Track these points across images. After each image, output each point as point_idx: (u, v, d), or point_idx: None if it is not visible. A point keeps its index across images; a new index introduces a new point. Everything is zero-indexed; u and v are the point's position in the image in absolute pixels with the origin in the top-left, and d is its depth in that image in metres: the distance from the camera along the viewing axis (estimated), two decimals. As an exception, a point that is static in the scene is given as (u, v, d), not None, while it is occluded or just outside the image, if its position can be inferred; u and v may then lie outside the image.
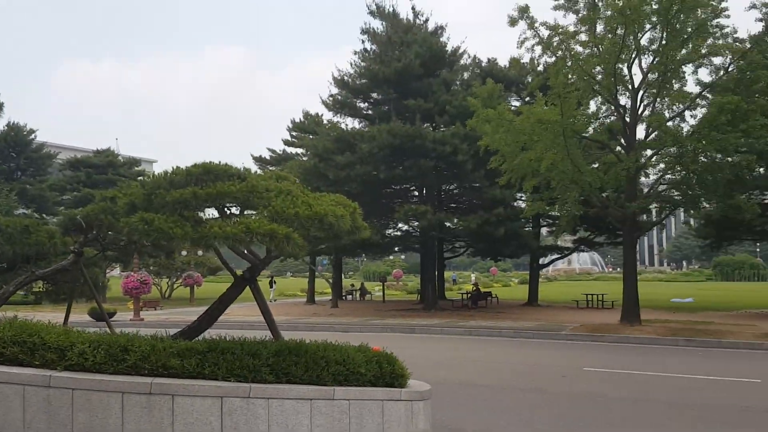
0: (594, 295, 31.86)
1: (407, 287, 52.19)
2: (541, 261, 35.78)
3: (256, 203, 6.98)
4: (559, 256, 37.49)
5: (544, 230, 37.18)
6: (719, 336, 19.01)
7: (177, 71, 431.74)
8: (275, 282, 41.65)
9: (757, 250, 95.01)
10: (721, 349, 17.68)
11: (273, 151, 44.14)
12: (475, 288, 35.00)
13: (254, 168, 33.60)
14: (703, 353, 16.91)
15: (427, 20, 32.58)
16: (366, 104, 33.76)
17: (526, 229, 32.04)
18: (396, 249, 42.26)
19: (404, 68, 29.20)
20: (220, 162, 7.49)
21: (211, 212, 7.51)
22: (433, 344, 18.65)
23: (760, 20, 24.02)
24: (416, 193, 32.84)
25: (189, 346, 6.49)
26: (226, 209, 7.25)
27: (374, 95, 32.76)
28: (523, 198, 30.58)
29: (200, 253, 37.38)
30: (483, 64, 33.50)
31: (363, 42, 32.56)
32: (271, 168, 40.18)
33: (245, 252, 7.33)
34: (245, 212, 7.31)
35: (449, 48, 32.04)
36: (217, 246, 7.02)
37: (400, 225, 34.49)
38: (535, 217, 29.91)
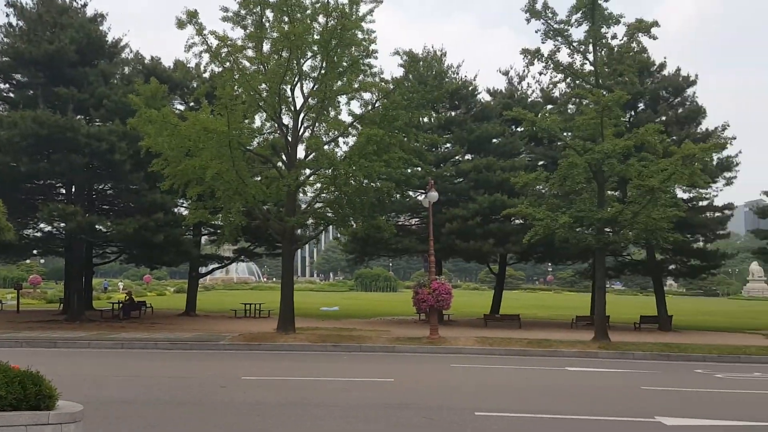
0: (252, 305, 32.69)
1: (47, 295, 46.53)
2: (201, 270, 35.40)
3: None
4: (220, 265, 37.62)
5: (204, 238, 36.92)
6: (360, 341, 21.25)
7: None
8: None
9: (390, 264, 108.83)
10: (362, 352, 19.82)
11: None
12: (128, 297, 32.97)
13: None
14: (348, 357, 18.70)
15: (85, 5, 29.89)
16: (7, 85, 29.46)
17: (187, 236, 31.41)
18: (35, 252, 37.41)
19: (57, 52, 26.28)
20: None
21: None
22: (80, 359, 17.00)
23: (402, 66, 27.72)
24: (63, 191, 29.64)
25: None
26: None
27: (18, 77, 28.77)
28: (185, 204, 29.95)
29: None
30: (146, 62, 32.07)
31: (8, 16, 28.43)
32: None
33: None
34: None
35: (110, 39, 29.95)
36: None
37: (42, 225, 30.74)
38: (196, 225, 29.54)
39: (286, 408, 10.66)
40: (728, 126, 28.87)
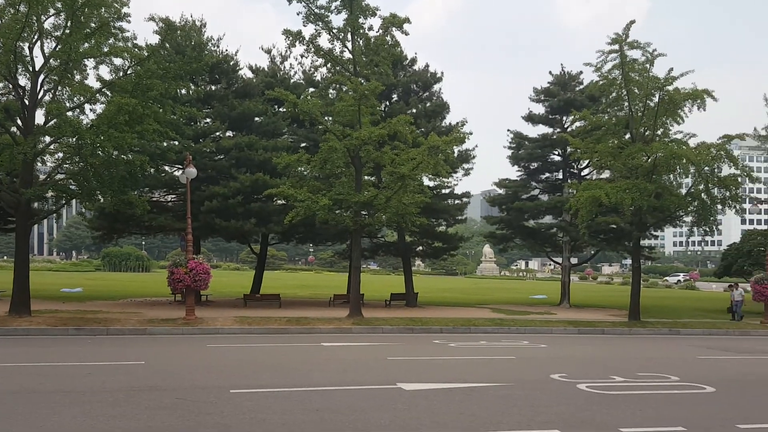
0: (-26, 287, 28.77)
1: None
2: None
3: None
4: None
5: None
6: (107, 324, 19.94)
7: None
8: None
9: (143, 243, 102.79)
10: (109, 336, 18.67)
11: None
12: None
13: None
14: (93, 341, 17.43)
15: None
16: None
17: None
18: None
19: None
20: None
21: None
22: None
23: (158, 33, 26.17)
24: None
25: None
26: None
27: None
28: None
29: None
30: None
31: None
32: None
33: None
34: None
35: None
36: None
37: None
38: None
39: (19, 396, 9.68)
40: (466, 122, 32.10)
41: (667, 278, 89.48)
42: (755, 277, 27.30)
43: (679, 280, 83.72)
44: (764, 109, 31.93)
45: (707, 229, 26.12)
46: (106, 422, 8.36)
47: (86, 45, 20.87)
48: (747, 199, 30.43)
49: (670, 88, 24.54)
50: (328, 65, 25.37)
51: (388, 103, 32.70)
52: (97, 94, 21.86)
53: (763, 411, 10.29)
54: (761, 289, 26.37)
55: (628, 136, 26.23)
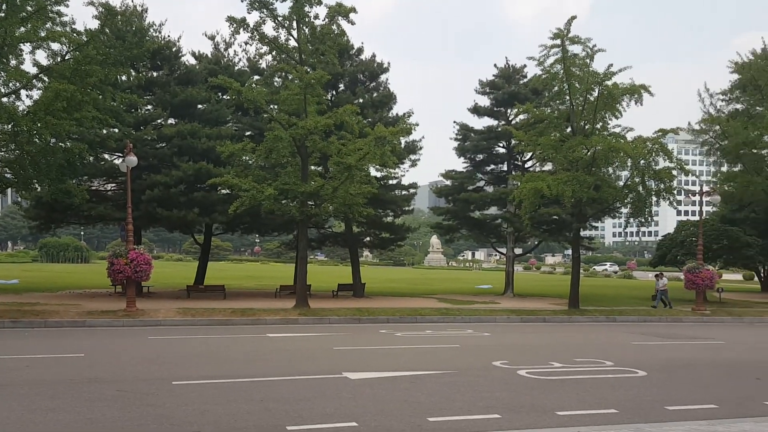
0: None
1: None
2: None
3: None
4: None
5: None
6: (45, 316, 19.44)
7: None
8: None
9: (82, 233, 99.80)
10: (47, 328, 18.20)
11: None
12: None
13: None
14: (31, 333, 16.99)
15: None
16: None
17: None
18: None
19: None
20: None
21: None
22: None
23: (97, 18, 25.44)
24: None
25: None
26: None
27: None
28: None
29: None
30: None
31: None
32: None
33: None
34: None
35: None
36: None
37: None
38: None
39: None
40: (413, 113, 32.26)
41: (594, 267, 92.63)
42: (687, 266, 28.50)
43: (605, 269, 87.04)
44: (698, 104, 33.27)
45: (642, 219, 27.08)
46: (44, 415, 8.19)
47: (22, 29, 20.21)
48: (681, 191, 31.66)
49: (609, 83, 25.26)
50: (273, 53, 25.09)
51: (334, 92, 32.58)
52: (34, 80, 21.22)
53: (689, 393, 10.84)
54: (693, 278, 27.55)
55: (569, 129, 26.90)
